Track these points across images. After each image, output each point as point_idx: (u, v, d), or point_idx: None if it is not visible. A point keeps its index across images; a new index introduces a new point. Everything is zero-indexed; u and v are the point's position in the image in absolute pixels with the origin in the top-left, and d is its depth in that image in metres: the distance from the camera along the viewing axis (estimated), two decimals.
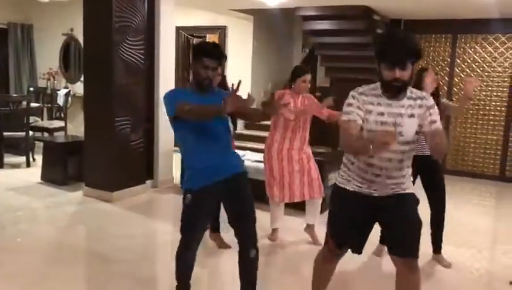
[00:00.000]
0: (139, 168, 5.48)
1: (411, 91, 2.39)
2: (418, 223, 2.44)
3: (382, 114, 2.32)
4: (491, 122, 7.28)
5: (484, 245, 4.54)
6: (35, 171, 6.08)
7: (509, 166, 7.21)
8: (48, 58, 8.72)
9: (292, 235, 4.32)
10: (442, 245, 3.86)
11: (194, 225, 2.66)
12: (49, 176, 5.80)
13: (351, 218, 2.50)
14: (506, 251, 4.34)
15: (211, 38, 8.81)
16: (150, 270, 3.56)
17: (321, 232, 3.08)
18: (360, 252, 2.57)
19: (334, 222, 2.58)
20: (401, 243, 2.43)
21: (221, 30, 8.27)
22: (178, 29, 7.76)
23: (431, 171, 3.71)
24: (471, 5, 5.98)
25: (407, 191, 2.47)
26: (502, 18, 6.76)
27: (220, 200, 2.81)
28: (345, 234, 2.54)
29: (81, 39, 5.89)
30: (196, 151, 2.66)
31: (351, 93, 2.43)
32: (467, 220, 5.18)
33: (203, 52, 2.63)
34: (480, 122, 7.35)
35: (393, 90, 2.31)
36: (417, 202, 2.51)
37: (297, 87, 3.98)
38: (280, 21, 8.32)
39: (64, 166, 5.72)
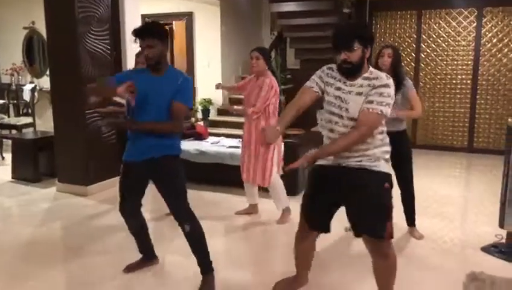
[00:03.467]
0: (112, 160, 5.40)
1: (371, 72, 2.45)
2: (380, 203, 2.45)
3: (338, 89, 2.49)
4: (458, 96, 7.46)
5: (456, 215, 4.68)
6: (5, 170, 5.94)
7: (477, 137, 7.42)
8: (9, 53, 8.45)
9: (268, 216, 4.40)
10: (417, 217, 3.96)
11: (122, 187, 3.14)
12: (20, 174, 5.68)
13: (317, 190, 2.62)
14: (477, 219, 4.49)
15: (177, 25, 8.72)
16: (129, 261, 3.54)
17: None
18: (327, 230, 2.67)
19: (304, 198, 2.72)
20: (361, 221, 2.51)
21: (188, 17, 8.17)
22: (144, 17, 7.64)
23: (394, 148, 3.68)
24: None
25: (374, 168, 2.46)
26: None
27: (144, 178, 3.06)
28: (310, 209, 2.67)
29: (43, 32, 5.73)
30: None
31: (324, 67, 2.62)
32: (439, 192, 5.33)
33: (134, 34, 2.86)
34: (448, 96, 7.52)
35: (344, 72, 2.46)
36: (387, 181, 2.48)
37: (250, 67, 4.17)
38: (247, 5, 8.27)
39: (35, 163, 5.62)
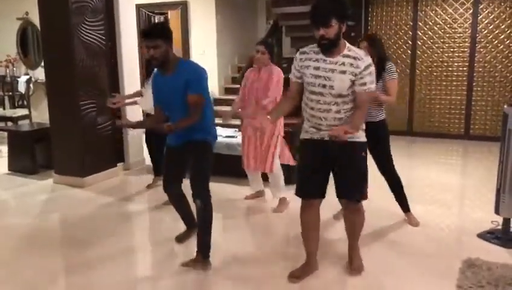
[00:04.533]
0: (108, 151, 5.41)
1: (349, 50, 2.65)
2: (359, 170, 2.79)
3: (317, 68, 2.67)
4: (454, 83, 7.45)
5: (453, 202, 4.69)
6: (1, 162, 5.93)
7: (474, 124, 7.43)
8: (3, 44, 8.40)
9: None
10: (413, 205, 3.97)
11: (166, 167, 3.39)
12: (17, 166, 5.67)
13: (308, 163, 2.85)
14: (474, 205, 4.51)
15: (172, 14, 8.66)
16: (128, 251, 3.56)
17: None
18: (323, 196, 2.88)
19: (298, 172, 2.97)
20: (343, 187, 2.82)
21: (183, 6, 8.12)
22: (138, 7, 7.60)
23: (372, 138, 3.43)
24: None
25: (355, 139, 2.72)
26: None
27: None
28: (305, 181, 2.87)
29: (38, 23, 5.69)
30: None
31: (296, 53, 2.82)
32: (436, 179, 5.34)
33: (141, 35, 3.05)
34: (444, 83, 7.51)
35: (322, 48, 2.63)
36: (363, 149, 2.81)
37: (254, 60, 4.17)
38: None
39: (32, 155, 5.60)
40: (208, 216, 3.17)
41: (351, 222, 3.00)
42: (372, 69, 2.65)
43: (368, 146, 3.55)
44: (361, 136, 2.78)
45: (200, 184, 3.16)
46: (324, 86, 2.65)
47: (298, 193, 2.91)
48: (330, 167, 2.81)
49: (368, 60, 2.64)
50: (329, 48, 2.61)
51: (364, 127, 2.82)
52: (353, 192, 2.83)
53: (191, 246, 3.43)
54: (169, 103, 3.12)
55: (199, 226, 3.20)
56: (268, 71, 4.10)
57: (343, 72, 2.61)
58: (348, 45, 2.67)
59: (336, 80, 2.62)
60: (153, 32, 2.99)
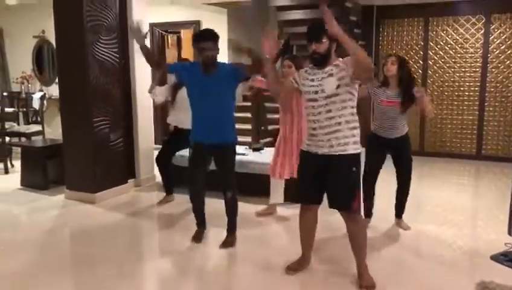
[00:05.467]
0: (120, 167, 5.45)
1: (339, 61, 2.95)
2: (348, 182, 2.98)
3: (312, 80, 3.01)
4: (466, 103, 7.42)
5: (465, 223, 4.64)
6: (14, 177, 5.99)
7: (486, 145, 7.37)
8: (20, 61, 8.55)
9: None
10: (425, 225, 3.96)
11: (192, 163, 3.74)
12: (29, 181, 5.72)
13: (305, 172, 3.12)
14: (486, 227, 4.45)
15: (185, 33, 8.77)
16: (138, 269, 3.56)
17: None
18: (318, 203, 3.16)
19: (297, 180, 3.23)
20: (332, 197, 3.04)
21: (195, 25, 8.22)
22: (152, 26, 7.71)
23: (398, 151, 4.02)
24: None
25: (342, 153, 2.92)
26: (471, 0, 6.88)
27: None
28: (302, 188, 3.16)
29: (53, 41, 5.80)
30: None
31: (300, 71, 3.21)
32: (447, 199, 5.29)
33: (197, 38, 3.50)
34: (456, 103, 7.49)
35: (314, 62, 2.99)
36: (354, 161, 2.96)
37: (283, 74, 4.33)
38: (254, 13, 8.26)
39: (44, 170, 5.65)
40: (235, 202, 3.79)
41: (352, 234, 3.10)
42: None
43: (393, 159, 4.05)
44: (350, 149, 2.95)
45: (232, 181, 3.73)
46: (316, 92, 2.97)
47: (297, 199, 3.24)
48: (324, 177, 3.02)
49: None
50: (320, 62, 2.96)
51: (358, 139, 2.97)
52: (341, 202, 3.02)
53: (201, 265, 3.42)
54: (203, 99, 3.52)
55: (229, 211, 3.79)
56: None
57: (331, 75, 2.92)
58: (339, 59, 2.99)
59: (325, 84, 2.93)
60: (216, 37, 3.51)
